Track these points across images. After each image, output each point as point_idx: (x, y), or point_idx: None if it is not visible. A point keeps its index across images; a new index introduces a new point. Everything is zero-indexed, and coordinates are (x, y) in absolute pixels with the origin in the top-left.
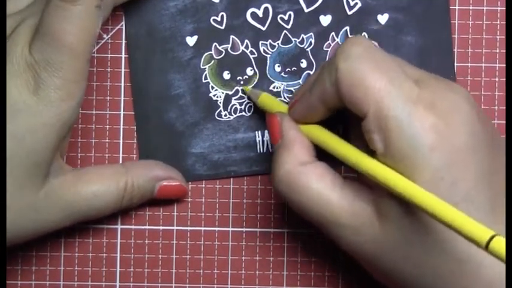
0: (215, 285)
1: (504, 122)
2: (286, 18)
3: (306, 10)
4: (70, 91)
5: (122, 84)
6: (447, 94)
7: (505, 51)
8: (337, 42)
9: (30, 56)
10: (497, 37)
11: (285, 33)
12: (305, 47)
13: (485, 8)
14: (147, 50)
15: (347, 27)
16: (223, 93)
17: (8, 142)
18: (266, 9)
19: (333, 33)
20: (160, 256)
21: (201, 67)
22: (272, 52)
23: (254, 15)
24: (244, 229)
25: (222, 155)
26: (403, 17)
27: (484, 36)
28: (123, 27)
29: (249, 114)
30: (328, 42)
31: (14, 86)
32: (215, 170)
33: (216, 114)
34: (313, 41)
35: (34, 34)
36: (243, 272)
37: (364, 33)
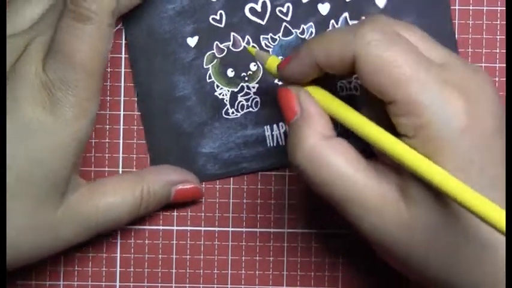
0: (215, 285)
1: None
2: (284, 10)
3: (304, 0)
4: (85, 109)
5: (122, 84)
6: (473, 77)
7: (505, 51)
8: None
9: (44, 74)
10: (497, 37)
11: (285, 25)
12: (306, 37)
13: (485, 8)
14: (149, 54)
15: (346, 14)
16: (228, 91)
17: (26, 164)
18: (264, 3)
19: (333, 20)
20: (160, 256)
21: (204, 67)
22: (274, 45)
23: (253, 10)
24: (244, 229)
25: (233, 153)
26: None
27: (484, 36)
28: (123, 28)
29: (256, 109)
30: (328, 30)
31: (29, 106)
32: (226, 168)
33: (223, 112)
34: (313, 31)
35: (47, 52)
36: (243, 272)
37: (363, 17)
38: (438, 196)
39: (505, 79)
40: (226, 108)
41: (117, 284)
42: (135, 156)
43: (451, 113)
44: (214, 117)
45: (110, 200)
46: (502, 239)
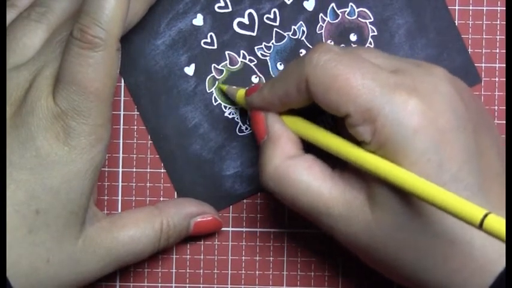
0: (215, 285)
1: (504, 122)
2: (272, 16)
3: (288, 2)
4: (99, 136)
5: (122, 84)
6: (426, 77)
7: (505, 51)
8: (328, 21)
9: (56, 106)
10: (497, 37)
11: (276, 30)
12: (299, 37)
13: (485, 8)
14: (151, 94)
15: (333, 4)
16: (237, 108)
17: (44, 196)
18: (250, 14)
19: (321, 14)
20: (160, 256)
21: (208, 91)
22: (270, 53)
23: (241, 24)
24: (244, 229)
25: (257, 168)
26: None
27: (484, 36)
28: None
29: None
30: (319, 25)
31: (44, 139)
32: (255, 184)
33: (237, 130)
34: (304, 29)
35: (56, 84)
36: (243, 272)
37: (350, 3)
38: (402, 196)
39: (504, 79)
40: (238, 126)
41: (117, 284)
42: (135, 156)
43: (402, 114)
44: (230, 137)
45: (130, 233)
46: (478, 233)
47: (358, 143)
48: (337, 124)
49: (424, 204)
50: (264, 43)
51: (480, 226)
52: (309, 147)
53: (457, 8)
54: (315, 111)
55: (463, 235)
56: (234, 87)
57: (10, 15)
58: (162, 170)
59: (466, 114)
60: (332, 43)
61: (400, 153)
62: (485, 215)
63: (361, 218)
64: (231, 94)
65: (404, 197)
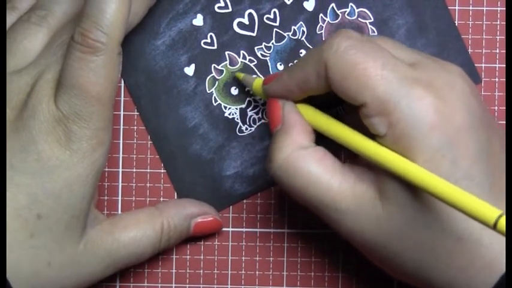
0: (215, 285)
1: (504, 122)
2: (272, 16)
3: (288, 2)
4: (100, 139)
5: (122, 84)
6: (442, 74)
7: (505, 51)
8: (328, 21)
9: (57, 110)
10: (497, 37)
11: (276, 31)
12: (299, 38)
13: (485, 8)
14: (151, 94)
15: (333, 4)
16: (237, 108)
17: (46, 200)
18: (250, 14)
19: (321, 14)
20: (160, 256)
21: (208, 91)
22: (270, 53)
23: (241, 25)
24: (244, 229)
25: (257, 167)
26: None
27: (484, 36)
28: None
29: (268, 120)
30: (319, 25)
31: (45, 143)
32: (255, 184)
33: (237, 130)
34: (304, 29)
35: (58, 88)
36: (243, 272)
37: (350, 3)
38: (413, 191)
39: (504, 79)
40: (238, 126)
41: (117, 284)
42: (135, 156)
43: (419, 110)
44: (230, 137)
45: (131, 234)
46: (486, 231)
47: (372, 136)
48: (348, 118)
49: (434, 200)
50: (264, 43)
51: (494, 226)
52: (318, 140)
53: (457, 8)
54: (329, 105)
55: (471, 232)
56: (251, 76)
57: (10, 18)
58: (162, 170)
59: (479, 112)
60: None
61: (415, 149)
62: (500, 216)
63: (371, 213)
64: (247, 83)
65: (415, 192)
